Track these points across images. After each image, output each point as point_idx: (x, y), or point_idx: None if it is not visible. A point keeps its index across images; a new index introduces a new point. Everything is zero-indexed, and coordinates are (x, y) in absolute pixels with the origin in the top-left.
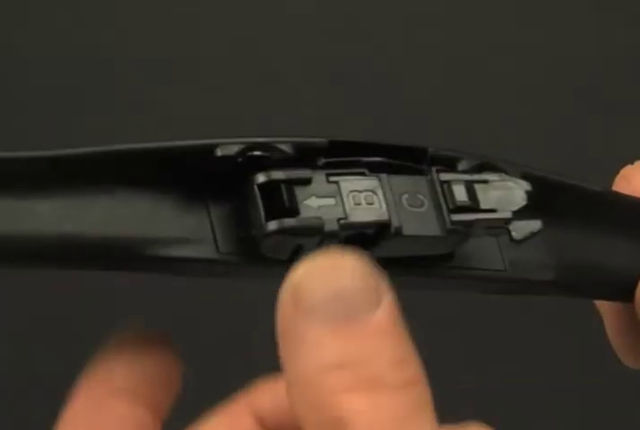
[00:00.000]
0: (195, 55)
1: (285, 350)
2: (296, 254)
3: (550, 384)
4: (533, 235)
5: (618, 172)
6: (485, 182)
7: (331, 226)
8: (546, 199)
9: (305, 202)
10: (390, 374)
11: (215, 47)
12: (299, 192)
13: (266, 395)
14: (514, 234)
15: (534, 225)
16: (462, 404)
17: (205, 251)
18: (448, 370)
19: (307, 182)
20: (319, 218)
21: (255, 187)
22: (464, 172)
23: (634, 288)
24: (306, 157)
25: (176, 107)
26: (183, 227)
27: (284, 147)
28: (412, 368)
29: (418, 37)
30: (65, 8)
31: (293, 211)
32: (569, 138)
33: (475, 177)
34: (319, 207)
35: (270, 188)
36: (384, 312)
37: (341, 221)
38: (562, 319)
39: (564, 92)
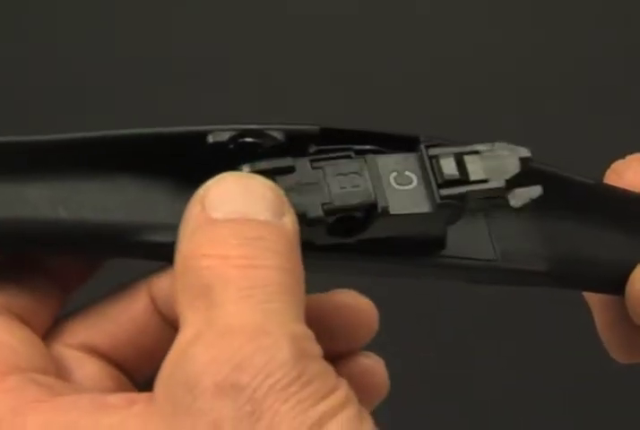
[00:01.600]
0: (196, 55)
1: (183, 231)
2: None
3: (540, 381)
4: (533, 201)
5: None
6: (476, 153)
7: (314, 212)
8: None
9: (289, 189)
10: (270, 257)
11: (215, 48)
12: (283, 180)
13: (164, 278)
14: (512, 202)
15: (534, 191)
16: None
17: None
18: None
19: (290, 170)
20: (301, 204)
21: None
22: (454, 145)
23: (625, 281)
24: (297, 144)
25: (176, 107)
26: (175, 214)
27: (276, 134)
28: (293, 262)
29: (418, 38)
30: (66, 8)
31: None
32: (568, 138)
33: (466, 149)
34: (304, 192)
35: None
36: (287, 223)
37: (325, 206)
38: (551, 312)
39: (563, 92)
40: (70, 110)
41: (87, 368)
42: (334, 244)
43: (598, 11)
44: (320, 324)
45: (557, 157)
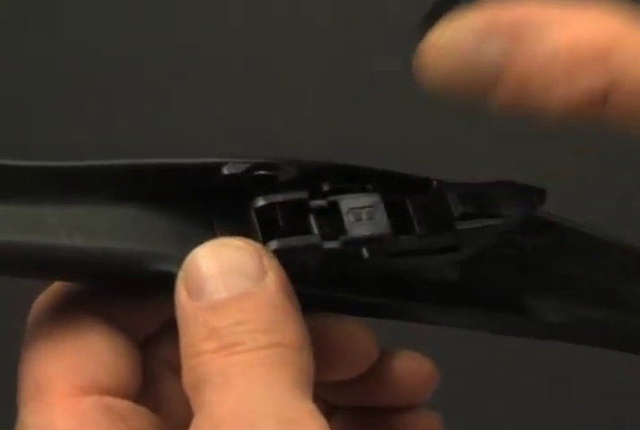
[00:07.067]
0: (196, 55)
1: (179, 331)
2: (300, 274)
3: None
4: (549, 236)
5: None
6: (492, 188)
7: (330, 243)
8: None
9: (304, 221)
10: (250, 340)
11: (215, 48)
12: (299, 213)
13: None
14: (528, 237)
15: (550, 226)
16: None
17: None
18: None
19: (304, 202)
20: (317, 235)
21: (252, 211)
22: (470, 182)
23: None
24: (311, 179)
25: (176, 107)
26: (190, 244)
27: (289, 168)
28: (279, 334)
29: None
30: (66, 8)
31: (293, 232)
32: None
33: (481, 184)
34: (320, 226)
35: (271, 210)
36: (270, 284)
37: (341, 238)
38: None
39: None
40: (70, 110)
41: (173, 385)
42: (344, 279)
43: None
44: (382, 377)
45: (557, 162)
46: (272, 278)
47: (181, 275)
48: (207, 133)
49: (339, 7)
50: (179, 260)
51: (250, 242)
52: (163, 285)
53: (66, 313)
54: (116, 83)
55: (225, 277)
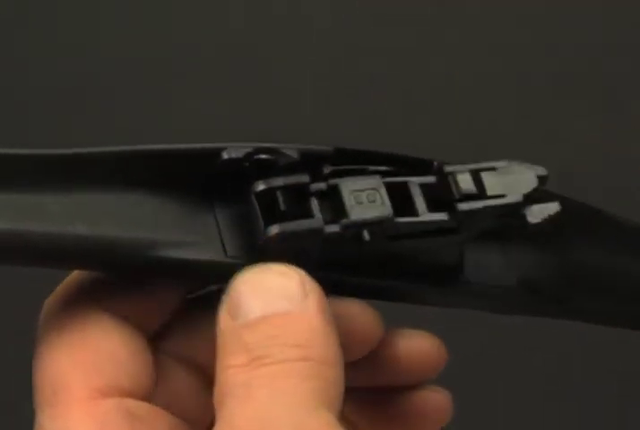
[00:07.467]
0: (196, 55)
1: (217, 348)
2: (301, 257)
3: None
4: (552, 217)
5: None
6: (492, 169)
7: (331, 226)
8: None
9: (305, 205)
10: (277, 353)
11: (215, 48)
12: (300, 196)
13: None
14: (529, 219)
15: (552, 207)
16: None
17: (213, 254)
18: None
19: (306, 186)
20: (319, 219)
21: (253, 196)
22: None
23: None
24: (311, 163)
25: (176, 107)
26: (191, 230)
27: (290, 152)
28: (311, 349)
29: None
30: (66, 8)
31: (294, 216)
32: (570, 138)
33: (482, 166)
34: (320, 209)
35: (271, 194)
36: (310, 306)
37: (342, 221)
38: None
39: (565, 90)
40: (70, 110)
41: (183, 380)
42: (348, 263)
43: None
44: (385, 355)
45: (556, 158)
46: (313, 302)
47: (224, 299)
48: (207, 133)
49: (339, 7)
50: (180, 245)
51: (293, 268)
52: (166, 271)
53: (77, 312)
54: (116, 83)
55: (266, 300)
